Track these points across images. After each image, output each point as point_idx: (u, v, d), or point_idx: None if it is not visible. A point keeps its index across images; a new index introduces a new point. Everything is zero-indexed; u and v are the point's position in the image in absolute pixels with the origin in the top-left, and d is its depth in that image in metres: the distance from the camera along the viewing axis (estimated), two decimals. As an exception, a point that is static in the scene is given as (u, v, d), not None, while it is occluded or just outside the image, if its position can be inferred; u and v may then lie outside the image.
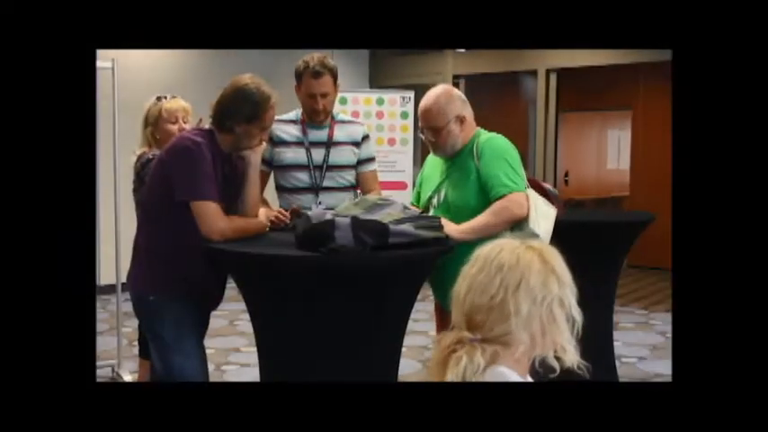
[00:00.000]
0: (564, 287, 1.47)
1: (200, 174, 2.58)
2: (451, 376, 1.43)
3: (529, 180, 2.90)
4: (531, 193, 2.83)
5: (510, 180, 2.77)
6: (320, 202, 3.14)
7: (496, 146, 2.88)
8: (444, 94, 2.91)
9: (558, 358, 1.49)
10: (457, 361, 1.43)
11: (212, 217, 2.57)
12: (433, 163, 3.07)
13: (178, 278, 2.66)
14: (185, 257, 2.64)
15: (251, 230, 2.73)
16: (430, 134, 2.91)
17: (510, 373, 1.45)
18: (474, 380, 1.41)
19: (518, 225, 2.75)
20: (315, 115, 3.19)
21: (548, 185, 2.99)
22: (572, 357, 1.48)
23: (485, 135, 2.94)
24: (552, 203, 2.89)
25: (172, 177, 2.61)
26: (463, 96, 2.96)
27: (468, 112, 2.92)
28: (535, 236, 2.72)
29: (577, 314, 1.48)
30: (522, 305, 1.43)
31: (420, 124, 2.96)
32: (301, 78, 3.15)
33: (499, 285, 1.44)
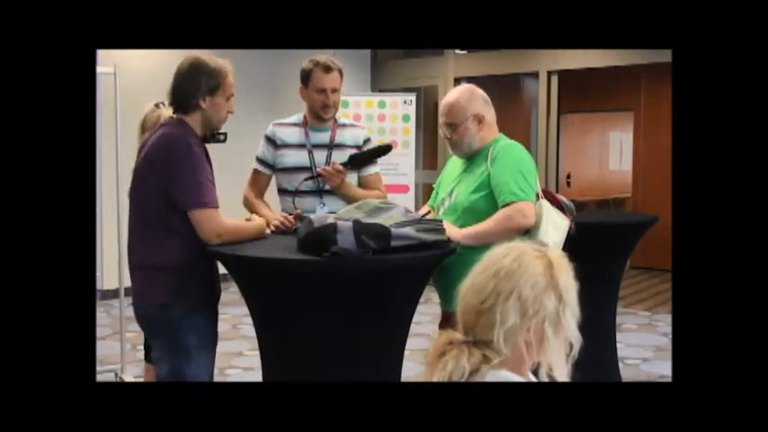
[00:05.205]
0: (564, 306, 1.42)
1: (203, 179, 2.54)
2: (438, 379, 1.41)
3: (544, 192, 2.85)
4: (545, 203, 2.79)
5: (519, 189, 2.73)
6: (324, 204, 3.15)
7: (512, 153, 2.85)
8: (467, 91, 2.93)
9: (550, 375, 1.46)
10: (444, 365, 1.42)
11: (214, 221, 2.54)
12: (453, 164, 3.06)
13: (198, 286, 2.63)
14: (204, 265, 2.62)
15: (248, 231, 2.70)
16: (447, 130, 2.91)
17: (512, 376, 1.44)
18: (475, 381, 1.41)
19: (527, 234, 2.70)
20: (324, 111, 3.19)
21: (562, 198, 2.93)
22: (563, 380, 1.44)
23: (504, 141, 2.92)
24: (566, 216, 2.84)
25: (173, 186, 2.53)
26: (486, 97, 2.96)
27: (489, 114, 2.91)
28: (544, 245, 2.69)
29: (575, 338, 1.43)
30: (509, 316, 1.39)
31: (439, 120, 2.97)
32: (310, 76, 3.16)
33: (491, 291, 1.41)
